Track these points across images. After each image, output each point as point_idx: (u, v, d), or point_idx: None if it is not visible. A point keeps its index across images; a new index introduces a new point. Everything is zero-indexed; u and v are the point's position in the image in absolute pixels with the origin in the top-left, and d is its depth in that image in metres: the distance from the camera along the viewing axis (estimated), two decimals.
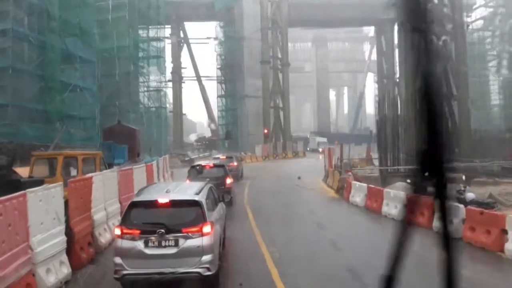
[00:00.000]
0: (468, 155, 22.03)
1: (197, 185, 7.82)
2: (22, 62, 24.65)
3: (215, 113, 62.33)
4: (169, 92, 56.96)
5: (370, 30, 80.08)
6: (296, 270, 7.66)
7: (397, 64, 60.24)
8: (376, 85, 72.74)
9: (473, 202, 11.06)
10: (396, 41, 60.69)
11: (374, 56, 76.10)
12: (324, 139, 58.01)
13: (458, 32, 26.11)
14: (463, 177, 15.43)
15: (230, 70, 56.10)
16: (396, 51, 60.25)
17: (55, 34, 26.41)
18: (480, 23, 47.37)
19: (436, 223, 10.26)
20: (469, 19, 41.96)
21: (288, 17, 53.10)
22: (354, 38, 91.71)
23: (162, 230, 6.09)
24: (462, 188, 12.84)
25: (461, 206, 9.91)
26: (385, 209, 12.74)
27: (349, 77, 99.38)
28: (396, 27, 56.65)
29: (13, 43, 24.11)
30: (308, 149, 57.58)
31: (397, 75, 58.41)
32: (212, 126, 64.52)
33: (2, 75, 23.98)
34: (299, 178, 22.60)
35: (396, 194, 12.54)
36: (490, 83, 47.80)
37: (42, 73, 26.02)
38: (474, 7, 47.45)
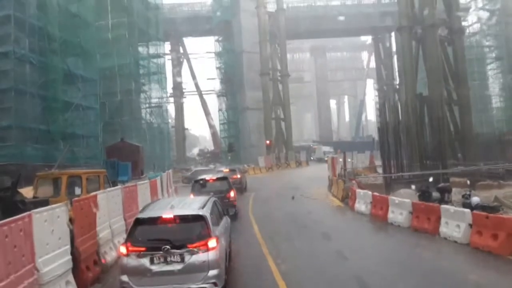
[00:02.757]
0: (471, 159, 22.00)
1: (201, 199, 7.82)
2: (24, 84, 24.85)
3: (217, 126, 62.58)
4: (171, 108, 57.41)
5: (368, 38, 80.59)
6: (304, 281, 7.60)
7: (396, 70, 60.50)
8: (376, 92, 72.93)
9: (478, 206, 11.00)
10: (394, 47, 61.12)
11: (373, 63, 76.49)
12: (330, 148, 57.67)
13: (455, 36, 26.23)
14: (468, 181, 15.38)
15: (231, 83, 56.45)
16: (395, 57, 60.57)
17: (56, 54, 26.68)
18: (477, 26, 47.65)
19: (442, 229, 10.22)
20: (466, 23, 42.22)
21: (285, 29, 53.60)
22: (352, 46, 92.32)
23: (168, 246, 6.08)
24: (467, 193, 12.79)
25: (467, 210, 9.86)
26: (391, 216, 12.67)
27: (349, 85, 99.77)
28: (393, 34, 57.10)
29: (15, 65, 24.33)
30: (312, 158, 57.22)
31: (397, 81, 58.56)
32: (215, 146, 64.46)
33: (5, 96, 24.18)
34: (293, 198, 19.75)
35: (401, 201, 12.49)
36: (490, 86, 47.86)
37: (44, 94, 26.22)
38: (471, 10, 47.77)
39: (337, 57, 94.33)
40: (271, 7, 54.05)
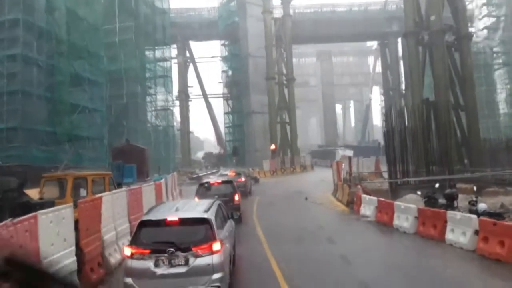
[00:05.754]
0: (478, 165, 21.82)
1: (206, 202, 7.81)
2: (32, 86, 25.09)
3: (222, 130, 62.69)
4: (176, 111, 57.59)
5: (374, 43, 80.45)
6: (308, 286, 7.56)
7: (402, 75, 60.28)
8: (382, 97, 72.64)
9: (485, 213, 10.88)
10: (400, 53, 60.92)
11: (379, 68, 76.28)
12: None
13: (463, 42, 26.11)
14: (474, 188, 15.24)
15: (236, 87, 56.59)
16: (401, 63, 60.37)
17: (64, 57, 26.94)
18: (484, 32, 47.48)
19: (448, 235, 10.13)
20: (473, 29, 42.04)
21: (291, 34, 53.69)
22: (359, 51, 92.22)
23: (172, 249, 6.07)
24: (474, 199, 12.67)
25: (474, 217, 9.76)
26: (396, 222, 12.59)
27: (354, 90, 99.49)
28: (399, 39, 56.92)
29: (22, 68, 24.59)
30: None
31: (403, 87, 58.32)
32: (220, 149, 64.40)
33: (12, 98, 24.41)
34: (306, 199, 20.95)
35: (407, 207, 12.40)
36: (497, 92, 47.60)
37: (51, 96, 26.44)
38: (476, 15, 47.60)
39: (343, 62, 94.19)
40: (278, 12, 54.21)
